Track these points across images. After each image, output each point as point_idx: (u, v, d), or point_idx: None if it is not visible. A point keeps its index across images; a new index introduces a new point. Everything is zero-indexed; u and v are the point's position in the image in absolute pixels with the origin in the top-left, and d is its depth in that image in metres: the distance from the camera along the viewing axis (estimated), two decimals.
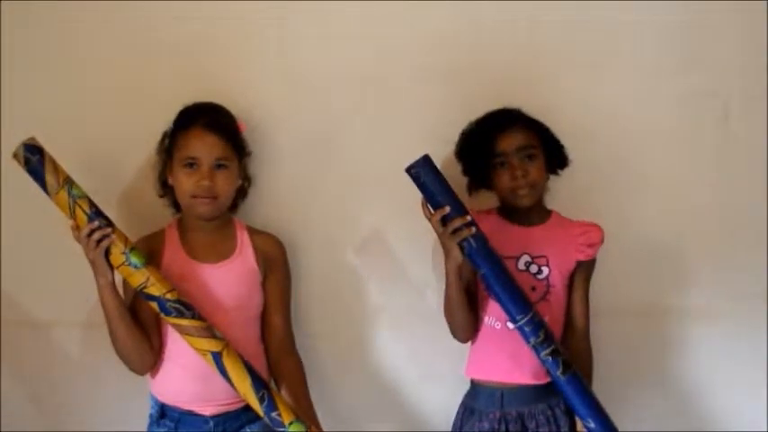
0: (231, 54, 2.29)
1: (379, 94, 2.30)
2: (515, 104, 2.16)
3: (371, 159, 2.29)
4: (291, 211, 2.32)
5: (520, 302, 2.01)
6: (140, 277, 1.95)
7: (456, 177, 2.16)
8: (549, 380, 2.08)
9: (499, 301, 2.03)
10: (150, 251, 2.07)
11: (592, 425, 2.02)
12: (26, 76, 2.28)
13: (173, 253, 2.11)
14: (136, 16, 2.26)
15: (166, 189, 2.15)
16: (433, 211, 2.00)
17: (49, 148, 1.95)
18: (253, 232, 2.19)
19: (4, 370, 2.34)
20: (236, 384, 1.97)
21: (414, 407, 2.35)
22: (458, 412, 2.22)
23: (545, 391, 2.12)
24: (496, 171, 2.12)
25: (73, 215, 1.93)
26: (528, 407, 2.13)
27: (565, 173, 2.23)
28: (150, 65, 2.28)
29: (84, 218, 1.92)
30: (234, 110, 2.17)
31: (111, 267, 1.96)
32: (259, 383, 1.98)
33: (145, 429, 2.15)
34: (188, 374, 2.07)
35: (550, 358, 2.00)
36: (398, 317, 2.35)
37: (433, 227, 2.01)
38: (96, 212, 1.94)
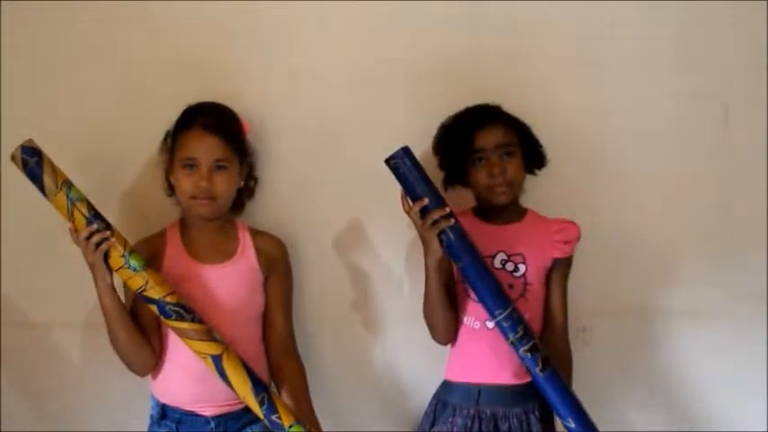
0: (232, 54, 2.28)
1: (380, 93, 2.30)
2: (515, 104, 2.15)
3: (372, 159, 2.27)
4: (291, 210, 2.32)
5: (499, 296, 1.99)
6: (140, 280, 1.94)
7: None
8: (529, 379, 2.05)
9: (478, 294, 2.01)
10: (152, 251, 2.07)
11: (572, 424, 1.98)
12: (26, 76, 2.28)
13: (174, 253, 2.11)
14: (136, 16, 2.26)
15: (173, 188, 2.14)
16: (411, 203, 1.99)
17: (48, 148, 1.94)
18: (255, 233, 2.18)
19: (4, 370, 2.34)
20: (235, 387, 1.97)
21: (416, 407, 2.34)
22: (430, 404, 2.20)
23: (523, 394, 2.10)
24: (474, 167, 2.09)
25: (71, 218, 1.91)
26: (503, 408, 2.10)
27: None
28: (151, 65, 2.28)
29: (83, 220, 1.91)
30: (233, 110, 2.16)
31: (111, 270, 1.95)
32: (259, 386, 1.97)
33: (146, 430, 2.15)
34: (188, 376, 2.07)
35: (529, 355, 1.98)
36: (400, 317, 2.35)
37: (412, 219, 2.00)
38: (95, 215, 1.93)
